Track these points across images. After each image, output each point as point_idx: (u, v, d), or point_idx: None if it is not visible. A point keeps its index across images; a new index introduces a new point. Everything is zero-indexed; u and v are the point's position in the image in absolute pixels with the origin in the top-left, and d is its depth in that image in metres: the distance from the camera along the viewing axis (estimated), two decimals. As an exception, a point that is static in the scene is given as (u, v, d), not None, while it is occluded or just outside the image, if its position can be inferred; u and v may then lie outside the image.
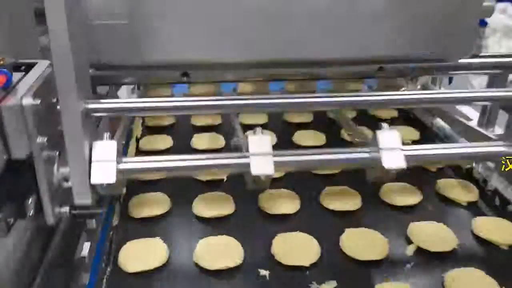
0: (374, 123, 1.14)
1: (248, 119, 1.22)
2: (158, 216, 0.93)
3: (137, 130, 1.18)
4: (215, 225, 0.92)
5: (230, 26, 0.82)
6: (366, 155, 0.76)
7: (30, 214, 0.65)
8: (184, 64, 0.89)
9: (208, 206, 0.93)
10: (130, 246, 0.85)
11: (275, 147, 0.74)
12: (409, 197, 0.99)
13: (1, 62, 0.64)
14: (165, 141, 1.15)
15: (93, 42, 0.80)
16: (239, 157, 0.75)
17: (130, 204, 0.96)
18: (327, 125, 1.23)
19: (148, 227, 0.92)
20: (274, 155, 0.74)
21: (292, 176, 1.02)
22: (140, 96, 1.22)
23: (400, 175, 0.76)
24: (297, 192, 0.99)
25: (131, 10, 0.80)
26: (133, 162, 0.74)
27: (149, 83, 1.16)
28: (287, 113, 1.26)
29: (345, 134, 1.19)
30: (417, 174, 1.04)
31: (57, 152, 0.68)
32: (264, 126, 1.14)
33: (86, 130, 0.69)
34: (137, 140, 1.17)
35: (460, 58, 0.91)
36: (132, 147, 1.12)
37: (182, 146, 1.16)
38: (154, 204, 0.94)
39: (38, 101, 0.62)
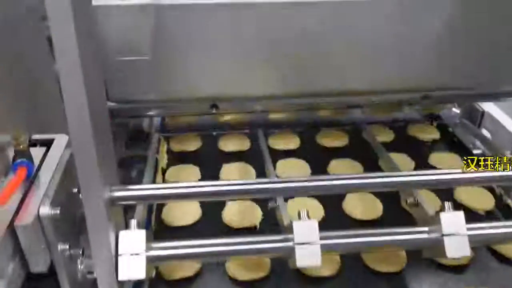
0: (416, 147, 1.11)
1: (278, 144, 1.12)
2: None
3: (163, 161, 1.10)
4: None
5: (262, 61, 0.81)
6: (426, 237, 0.68)
7: (54, 318, 0.59)
8: (213, 97, 0.87)
9: (242, 267, 0.84)
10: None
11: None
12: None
13: (21, 147, 0.58)
14: (193, 173, 1.07)
15: (117, 78, 0.80)
16: (281, 241, 0.67)
17: None
18: (364, 149, 1.12)
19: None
20: (321, 238, 0.66)
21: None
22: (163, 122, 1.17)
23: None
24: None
25: (156, 45, 0.78)
26: (164, 249, 0.66)
27: (176, 115, 1.13)
28: (320, 136, 1.16)
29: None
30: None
31: (81, 250, 0.61)
32: (296, 152, 1.10)
33: (112, 220, 0.61)
34: (163, 171, 1.09)
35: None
36: (158, 179, 1.05)
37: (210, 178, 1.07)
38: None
39: (57, 211, 0.54)
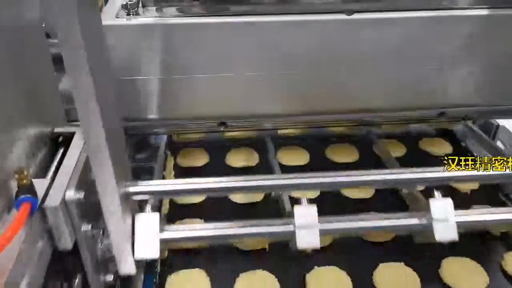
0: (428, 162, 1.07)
1: (287, 160, 1.09)
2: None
3: (170, 176, 1.05)
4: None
5: (270, 79, 0.80)
6: (416, 222, 0.73)
7: (78, 292, 0.66)
8: (221, 116, 0.86)
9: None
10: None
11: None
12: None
13: (24, 181, 0.55)
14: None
15: (123, 96, 0.77)
16: (284, 224, 0.73)
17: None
18: (375, 164, 1.06)
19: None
20: (320, 222, 0.71)
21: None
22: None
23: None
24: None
25: (162, 64, 0.78)
26: (176, 231, 0.72)
27: (183, 132, 1.12)
28: (329, 151, 1.12)
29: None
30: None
31: (101, 231, 0.68)
32: (305, 167, 1.08)
33: (127, 209, 0.67)
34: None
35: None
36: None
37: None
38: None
39: (81, 194, 0.60)
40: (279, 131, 1.15)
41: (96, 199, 0.62)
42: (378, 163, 1.04)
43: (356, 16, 0.75)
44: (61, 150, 0.69)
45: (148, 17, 0.75)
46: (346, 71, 0.80)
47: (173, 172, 1.06)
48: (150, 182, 0.73)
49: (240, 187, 0.74)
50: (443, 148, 1.14)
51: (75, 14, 0.47)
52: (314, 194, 0.93)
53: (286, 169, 1.04)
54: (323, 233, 0.71)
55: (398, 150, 1.11)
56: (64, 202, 0.59)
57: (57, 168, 0.64)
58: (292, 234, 0.71)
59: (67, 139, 0.71)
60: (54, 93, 0.74)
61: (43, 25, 0.71)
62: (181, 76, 0.78)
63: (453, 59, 0.80)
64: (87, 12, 0.51)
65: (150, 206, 0.71)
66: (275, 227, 0.73)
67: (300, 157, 1.10)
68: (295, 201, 0.74)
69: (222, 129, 0.86)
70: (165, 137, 1.12)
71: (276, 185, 0.75)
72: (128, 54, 0.76)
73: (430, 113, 0.88)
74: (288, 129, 1.13)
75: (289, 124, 0.93)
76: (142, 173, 0.98)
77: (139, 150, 1.06)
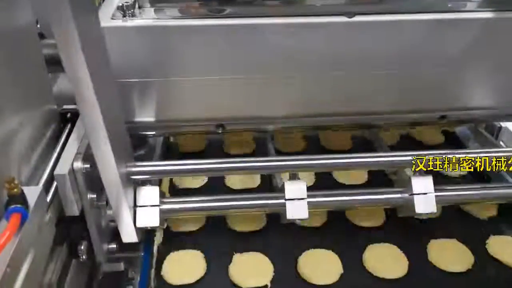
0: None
1: (284, 147, 1.09)
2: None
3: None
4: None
5: (268, 82, 0.79)
6: (399, 196, 0.79)
7: (84, 257, 0.71)
8: (221, 118, 0.84)
9: (244, 270, 0.82)
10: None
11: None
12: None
13: (15, 190, 0.54)
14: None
15: (122, 100, 0.75)
16: (275, 198, 0.78)
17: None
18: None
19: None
20: (309, 196, 0.77)
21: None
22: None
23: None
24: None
25: (159, 66, 0.77)
26: (173, 203, 0.78)
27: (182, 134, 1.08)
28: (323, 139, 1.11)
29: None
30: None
31: (105, 201, 0.73)
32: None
33: (127, 185, 0.72)
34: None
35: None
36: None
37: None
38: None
39: (88, 165, 0.66)
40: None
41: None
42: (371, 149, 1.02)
43: (357, 18, 0.74)
44: (69, 125, 0.74)
45: (144, 19, 0.73)
46: (347, 74, 0.79)
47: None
48: (150, 163, 0.78)
49: (236, 167, 0.78)
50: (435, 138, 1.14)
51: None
52: (310, 181, 0.96)
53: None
54: (311, 206, 0.77)
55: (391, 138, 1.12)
56: (72, 171, 0.64)
57: (66, 141, 0.70)
58: (283, 205, 0.76)
59: (75, 115, 0.77)
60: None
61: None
62: (178, 79, 0.77)
63: (454, 61, 0.80)
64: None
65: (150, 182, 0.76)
66: (267, 200, 0.79)
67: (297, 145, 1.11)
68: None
69: (220, 131, 0.85)
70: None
71: (270, 166, 0.79)
72: (123, 56, 0.73)
73: (431, 117, 0.87)
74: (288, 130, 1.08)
75: (288, 127, 0.91)
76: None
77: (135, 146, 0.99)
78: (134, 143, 0.96)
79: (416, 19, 0.75)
